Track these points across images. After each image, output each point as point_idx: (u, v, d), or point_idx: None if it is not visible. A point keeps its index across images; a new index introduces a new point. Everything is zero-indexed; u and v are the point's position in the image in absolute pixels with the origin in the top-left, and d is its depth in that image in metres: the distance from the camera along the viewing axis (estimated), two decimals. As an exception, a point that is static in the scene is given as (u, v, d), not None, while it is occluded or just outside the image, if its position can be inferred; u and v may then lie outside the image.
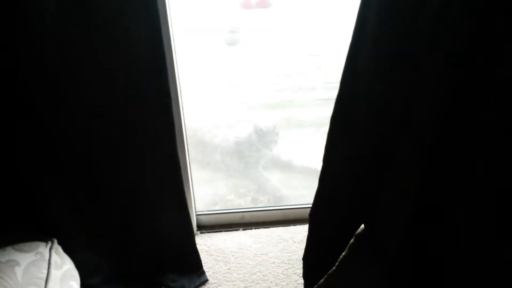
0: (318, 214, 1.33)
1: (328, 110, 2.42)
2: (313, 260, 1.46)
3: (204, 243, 1.74)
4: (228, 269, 1.62)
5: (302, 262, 1.51)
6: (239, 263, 1.64)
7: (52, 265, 1.02)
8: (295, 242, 1.75)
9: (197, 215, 1.82)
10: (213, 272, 1.61)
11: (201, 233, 1.81)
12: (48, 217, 1.15)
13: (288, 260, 1.66)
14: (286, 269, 1.62)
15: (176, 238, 1.49)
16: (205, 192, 2.03)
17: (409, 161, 1.21)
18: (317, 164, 2.04)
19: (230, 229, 1.83)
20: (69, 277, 1.07)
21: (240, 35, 3.08)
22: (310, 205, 1.87)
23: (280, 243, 1.74)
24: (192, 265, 1.57)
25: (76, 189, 1.21)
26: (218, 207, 1.98)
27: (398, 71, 1.07)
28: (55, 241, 1.10)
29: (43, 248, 1.04)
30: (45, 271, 1.00)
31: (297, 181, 2.13)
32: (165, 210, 1.41)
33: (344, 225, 1.53)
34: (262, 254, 1.69)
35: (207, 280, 1.57)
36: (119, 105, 1.14)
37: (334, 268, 1.61)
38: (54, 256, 1.05)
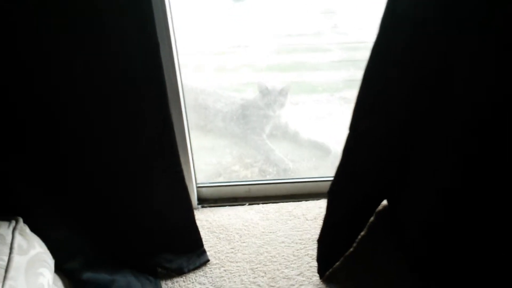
0: (339, 190, 1.13)
1: (344, 73, 2.20)
2: (329, 242, 1.28)
3: (206, 218, 1.56)
4: (232, 248, 1.44)
5: (316, 244, 1.33)
6: (244, 242, 1.47)
7: (15, 250, 0.83)
8: (307, 220, 1.56)
9: (197, 187, 1.63)
10: (215, 252, 1.43)
11: (202, 207, 1.63)
12: (10, 190, 0.95)
13: (300, 239, 1.48)
14: (297, 250, 1.44)
15: (172, 213, 1.32)
16: (208, 161, 1.83)
17: (446, 139, 1.01)
18: (333, 133, 1.83)
19: (234, 204, 1.64)
20: (38, 263, 0.88)
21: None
22: (324, 179, 1.68)
23: (290, 220, 1.55)
24: (191, 244, 1.40)
25: (49, 156, 1.01)
26: (222, 179, 1.79)
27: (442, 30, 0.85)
28: (20, 220, 0.90)
29: (4, 229, 0.85)
30: (6, 258, 0.81)
31: (306, 151, 1.92)
32: (158, 181, 1.22)
33: (365, 202, 1.34)
34: (270, 232, 1.50)
35: (208, 260, 1.40)
36: (105, 63, 0.93)
37: (351, 249, 1.44)
38: (19, 239, 0.86)
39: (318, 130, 2.00)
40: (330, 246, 1.29)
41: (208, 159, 1.84)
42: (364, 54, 2.40)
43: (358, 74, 2.29)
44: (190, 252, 1.40)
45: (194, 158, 1.58)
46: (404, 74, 0.94)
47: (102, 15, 0.90)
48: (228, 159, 1.85)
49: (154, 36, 0.95)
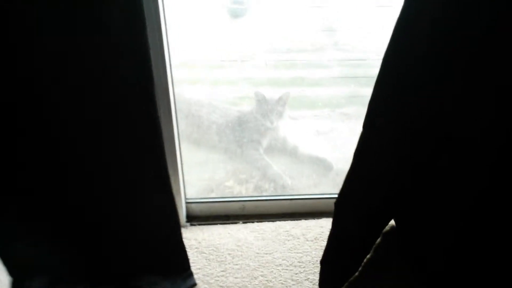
0: (347, 201, 0.99)
1: (346, 90, 2.10)
2: (334, 264, 1.13)
3: (194, 237, 1.40)
4: (222, 271, 1.29)
5: (319, 266, 1.18)
6: (236, 264, 1.31)
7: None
8: (307, 240, 1.40)
9: (187, 202, 1.48)
10: (203, 275, 1.27)
11: (191, 225, 1.47)
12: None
13: (299, 262, 1.33)
14: (296, 274, 1.29)
15: (156, 230, 1.17)
16: (199, 177, 1.69)
17: (476, 145, 0.88)
18: (335, 150, 1.72)
19: (227, 222, 1.49)
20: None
21: (246, 7, 2.74)
22: (326, 196, 1.54)
23: (288, 240, 1.40)
24: (176, 265, 1.25)
25: (13, 157, 0.88)
26: (213, 195, 1.64)
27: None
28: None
29: None
30: None
31: (306, 168, 1.79)
32: (141, 192, 1.08)
33: (374, 217, 1.18)
34: (266, 253, 1.35)
35: (195, 284, 1.24)
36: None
37: (357, 274, 1.28)
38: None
39: (319, 145, 1.88)
40: (335, 268, 1.14)
41: (199, 174, 1.70)
42: (366, 71, 2.30)
43: (360, 90, 2.20)
44: (175, 274, 1.24)
45: (184, 173, 1.44)
46: (424, 69, 0.82)
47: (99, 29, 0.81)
48: (222, 174, 1.71)
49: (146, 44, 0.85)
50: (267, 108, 1.73)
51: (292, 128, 1.93)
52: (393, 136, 0.88)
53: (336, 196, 1.07)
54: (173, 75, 1.27)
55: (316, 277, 1.27)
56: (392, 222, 1.44)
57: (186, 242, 1.25)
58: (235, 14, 2.78)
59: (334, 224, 1.05)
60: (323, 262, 1.13)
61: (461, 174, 0.96)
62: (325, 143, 1.89)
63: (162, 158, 1.04)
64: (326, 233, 1.18)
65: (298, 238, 1.41)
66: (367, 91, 0.87)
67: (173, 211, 1.15)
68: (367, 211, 1.04)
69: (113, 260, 1.15)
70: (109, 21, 0.81)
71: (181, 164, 1.41)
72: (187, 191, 1.49)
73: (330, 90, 2.21)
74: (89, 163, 0.99)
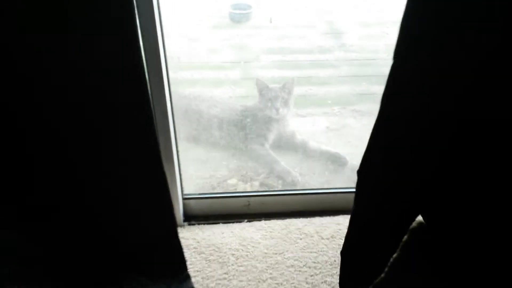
0: (371, 166, 0.83)
1: (356, 88, 1.97)
2: (356, 255, 0.95)
3: (193, 237, 1.23)
4: (225, 273, 1.11)
5: (335, 269, 1.02)
6: (241, 266, 1.13)
7: None
8: (322, 239, 1.23)
9: (184, 198, 1.31)
10: (202, 278, 1.10)
11: (189, 224, 1.30)
12: None
13: (314, 262, 1.15)
14: (311, 275, 1.11)
15: (148, 226, 1.02)
16: (200, 175, 1.54)
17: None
18: (348, 145, 1.59)
19: (230, 221, 1.32)
20: None
21: (249, 12, 2.67)
22: (343, 190, 1.37)
23: (301, 239, 1.22)
24: (172, 266, 1.07)
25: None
26: (215, 193, 1.48)
27: None
28: None
29: None
30: None
31: (317, 164, 1.63)
32: (132, 183, 0.94)
33: (400, 200, 1.00)
34: (276, 253, 1.17)
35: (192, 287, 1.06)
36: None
37: (383, 275, 1.10)
38: None
39: (330, 141, 1.73)
40: (356, 261, 0.97)
41: (200, 173, 1.55)
42: (376, 70, 2.18)
43: (371, 88, 2.06)
44: (171, 276, 1.06)
45: (182, 170, 1.29)
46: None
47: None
48: (224, 172, 1.55)
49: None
50: (271, 96, 1.59)
51: (301, 124, 1.79)
52: (431, 69, 0.70)
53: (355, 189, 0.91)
54: (168, 67, 1.14)
55: (335, 279, 1.09)
56: (420, 218, 1.28)
57: (183, 241, 1.08)
58: (236, 20, 2.70)
59: (356, 200, 0.88)
60: (344, 253, 0.95)
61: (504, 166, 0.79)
62: (336, 139, 1.74)
63: (155, 146, 0.89)
64: (344, 230, 1.01)
65: (312, 236, 1.23)
66: (379, 89, 0.74)
67: (167, 204, 0.99)
68: (391, 186, 0.87)
69: (99, 258, 0.99)
70: (102, 21, 0.70)
71: (177, 156, 1.26)
72: (185, 189, 1.33)
73: (339, 89, 2.09)
74: (78, 156, 0.86)
